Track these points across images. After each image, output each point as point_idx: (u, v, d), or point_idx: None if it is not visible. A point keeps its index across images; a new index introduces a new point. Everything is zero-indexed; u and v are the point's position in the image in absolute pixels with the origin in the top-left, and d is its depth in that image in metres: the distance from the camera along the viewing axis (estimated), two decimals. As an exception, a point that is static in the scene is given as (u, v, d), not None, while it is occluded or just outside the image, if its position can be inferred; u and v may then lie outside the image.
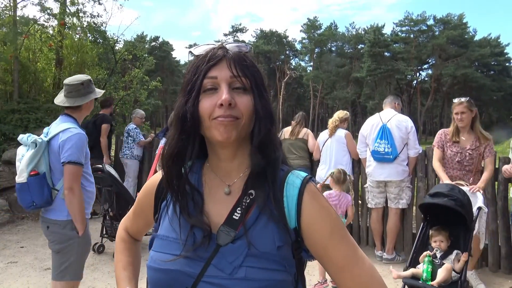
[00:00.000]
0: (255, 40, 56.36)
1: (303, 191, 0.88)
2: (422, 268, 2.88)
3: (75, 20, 8.46)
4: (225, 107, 0.83)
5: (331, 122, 4.90)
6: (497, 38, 49.02)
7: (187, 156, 0.89)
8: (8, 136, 6.64)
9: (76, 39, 8.45)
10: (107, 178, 4.37)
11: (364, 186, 4.78)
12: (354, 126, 45.76)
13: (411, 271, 2.94)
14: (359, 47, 53.27)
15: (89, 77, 2.66)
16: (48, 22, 8.61)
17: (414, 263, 3.04)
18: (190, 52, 0.94)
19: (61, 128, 2.48)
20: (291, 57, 61.37)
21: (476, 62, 46.63)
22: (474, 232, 3.15)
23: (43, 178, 2.42)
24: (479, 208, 3.24)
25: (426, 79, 50.70)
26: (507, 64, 49.29)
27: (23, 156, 2.46)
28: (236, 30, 60.62)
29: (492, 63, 47.84)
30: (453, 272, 2.84)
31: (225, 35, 60.74)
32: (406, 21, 48.51)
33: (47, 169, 2.45)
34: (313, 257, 0.91)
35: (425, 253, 2.97)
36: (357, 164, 4.93)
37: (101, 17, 9.22)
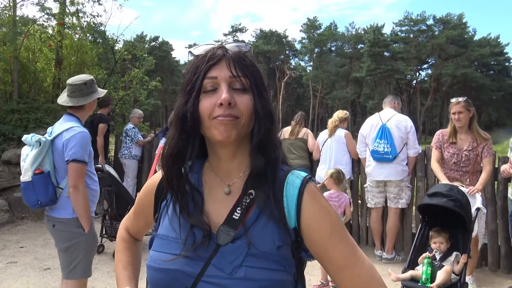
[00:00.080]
0: (255, 40, 56.36)
1: (303, 191, 0.88)
2: (421, 270, 2.84)
3: (74, 20, 8.46)
4: (224, 106, 0.83)
5: (330, 122, 4.91)
6: (497, 37, 49.10)
7: (187, 156, 0.89)
8: (7, 136, 6.63)
9: (75, 39, 8.44)
10: (107, 178, 4.37)
11: (364, 185, 4.79)
12: (353, 126, 45.80)
13: (410, 273, 2.90)
14: (358, 47, 53.28)
15: (91, 77, 2.69)
16: (47, 22, 8.61)
17: (413, 264, 3.00)
18: (190, 52, 0.94)
19: (65, 127, 2.51)
20: (291, 57, 61.39)
21: (475, 62, 46.66)
22: (473, 234, 3.11)
23: (47, 176, 2.45)
24: (478, 209, 3.21)
25: (425, 78, 50.76)
26: (506, 63, 49.34)
27: (28, 156, 2.48)
28: (235, 30, 60.64)
29: (492, 62, 47.88)
30: (452, 274, 2.81)
31: (225, 35, 60.78)
32: (405, 21, 48.55)
33: (51, 167, 2.48)
34: (312, 257, 0.91)
35: (424, 254, 2.93)
36: (357, 164, 4.93)
37: (100, 17, 9.23)
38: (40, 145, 2.44)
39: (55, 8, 8.41)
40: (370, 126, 4.56)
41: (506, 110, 49.22)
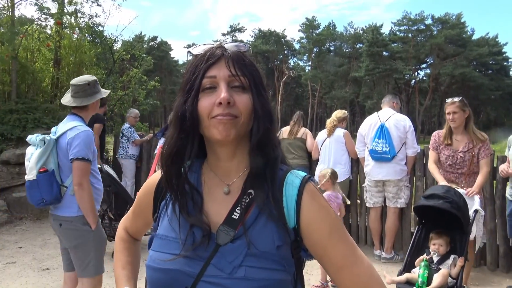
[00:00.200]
0: (254, 40, 56.32)
1: (302, 190, 0.88)
2: (417, 273, 2.79)
3: (72, 20, 8.44)
4: (223, 105, 0.83)
5: (329, 122, 4.91)
6: (495, 37, 49.11)
7: (186, 155, 0.89)
8: (6, 136, 6.62)
9: (74, 39, 8.43)
10: (106, 178, 4.35)
11: (363, 185, 4.79)
12: (352, 125, 45.81)
13: (406, 276, 2.86)
14: (357, 46, 53.27)
15: (95, 78, 2.74)
16: (46, 22, 8.60)
17: (409, 267, 2.95)
18: (189, 51, 0.94)
19: (69, 127, 2.55)
20: (290, 57, 61.34)
21: (474, 62, 46.69)
22: (471, 237, 3.07)
23: (52, 175, 2.48)
24: (476, 211, 3.16)
25: (424, 78, 50.78)
26: (505, 63, 49.34)
27: (32, 155, 2.51)
28: (234, 29, 60.57)
29: (490, 62, 47.88)
30: (449, 278, 2.77)
31: (224, 34, 60.68)
32: (404, 20, 48.55)
33: (56, 166, 2.52)
34: (312, 256, 0.91)
35: (421, 257, 2.88)
36: (356, 163, 4.93)
37: (99, 17, 9.23)
38: (44, 143, 2.48)
39: (54, 8, 8.41)
40: (368, 125, 4.56)
41: (505, 110, 49.30)
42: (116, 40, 9.60)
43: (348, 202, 4.12)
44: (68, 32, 8.41)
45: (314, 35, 54.79)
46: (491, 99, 47.36)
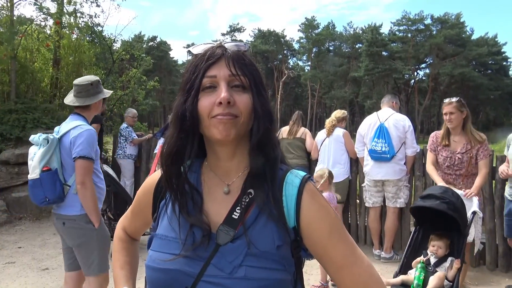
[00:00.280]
0: (253, 40, 56.30)
1: (302, 190, 0.88)
2: (413, 275, 2.75)
3: (72, 19, 8.43)
4: (224, 105, 0.83)
5: (328, 122, 4.91)
6: (494, 37, 49.17)
7: (186, 155, 0.89)
8: (5, 136, 6.62)
9: (73, 39, 8.42)
10: (105, 178, 4.32)
11: (362, 185, 4.79)
12: (352, 125, 45.78)
13: (401, 278, 2.81)
14: (356, 46, 53.30)
15: (97, 78, 2.77)
16: (45, 21, 8.59)
17: (405, 268, 2.91)
18: (189, 51, 0.94)
19: (72, 126, 2.57)
20: (289, 57, 61.32)
21: (473, 61, 46.74)
22: (470, 239, 3.02)
23: (55, 173, 2.50)
24: (474, 213, 3.11)
25: (423, 78, 50.81)
26: (504, 63, 49.39)
27: (35, 154, 2.53)
28: (234, 29, 60.55)
29: (490, 62, 47.92)
30: (445, 280, 2.72)
31: (223, 34, 60.64)
32: (403, 20, 48.57)
33: (59, 165, 2.53)
34: (311, 256, 0.91)
35: (418, 259, 2.84)
36: (355, 163, 4.94)
37: (98, 17, 9.22)
38: (48, 142, 2.49)
39: (53, 8, 8.40)
40: (368, 125, 4.57)
41: (504, 110, 49.34)
42: (116, 40, 9.62)
43: (339, 197, 4.07)
44: (68, 32, 8.40)
45: (314, 35, 54.81)
46: (490, 99, 47.42)
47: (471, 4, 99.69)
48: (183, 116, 0.86)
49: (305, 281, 1.00)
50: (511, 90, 46.80)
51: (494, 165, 4.11)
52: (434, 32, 46.29)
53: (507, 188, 3.71)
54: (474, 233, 3.14)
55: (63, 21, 8.23)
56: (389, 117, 4.44)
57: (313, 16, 58.22)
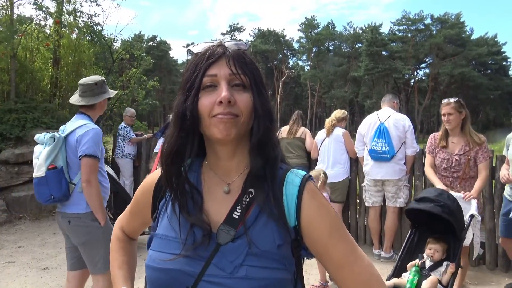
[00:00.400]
0: (253, 39, 56.29)
1: (302, 189, 0.88)
2: (407, 278, 2.69)
3: (71, 19, 8.43)
4: (224, 104, 0.83)
5: (328, 121, 4.91)
6: (494, 37, 49.18)
7: (186, 154, 0.88)
8: (5, 135, 6.62)
9: (73, 39, 8.42)
10: (105, 177, 4.36)
11: (362, 184, 4.79)
12: (351, 125, 45.78)
13: (393, 281, 2.74)
14: (356, 46, 53.31)
15: (102, 78, 2.80)
16: (44, 21, 8.58)
17: (399, 271, 2.85)
18: (189, 50, 0.94)
19: (78, 125, 2.60)
20: (289, 56, 61.31)
21: (473, 61, 46.75)
22: (467, 242, 2.96)
23: (61, 171, 2.52)
24: (472, 216, 3.03)
25: (423, 78, 50.83)
26: (504, 63, 49.39)
27: (41, 153, 2.55)
28: (233, 29, 60.52)
29: (489, 62, 47.92)
30: (440, 286, 2.66)
31: (223, 34, 60.69)
32: (403, 20, 48.58)
33: (65, 163, 2.56)
34: (312, 255, 0.91)
35: (413, 262, 2.78)
36: (355, 163, 4.93)
37: (98, 16, 9.22)
38: (54, 141, 2.52)
39: (52, 7, 8.39)
40: (368, 125, 4.56)
41: (504, 109, 49.30)
42: (115, 39, 9.63)
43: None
44: (67, 31, 8.40)
45: (314, 34, 54.81)
46: (490, 99, 47.42)
47: (471, 4, 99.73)
48: (183, 115, 0.86)
49: (305, 281, 1.00)
50: (511, 90, 46.81)
51: (494, 164, 4.11)
52: (434, 32, 46.30)
53: (506, 188, 3.69)
54: (473, 237, 3.05)
55: (62, 20, 8.23)
56: (389, 117, 4.44)
57: (313, 16, 58.41)
